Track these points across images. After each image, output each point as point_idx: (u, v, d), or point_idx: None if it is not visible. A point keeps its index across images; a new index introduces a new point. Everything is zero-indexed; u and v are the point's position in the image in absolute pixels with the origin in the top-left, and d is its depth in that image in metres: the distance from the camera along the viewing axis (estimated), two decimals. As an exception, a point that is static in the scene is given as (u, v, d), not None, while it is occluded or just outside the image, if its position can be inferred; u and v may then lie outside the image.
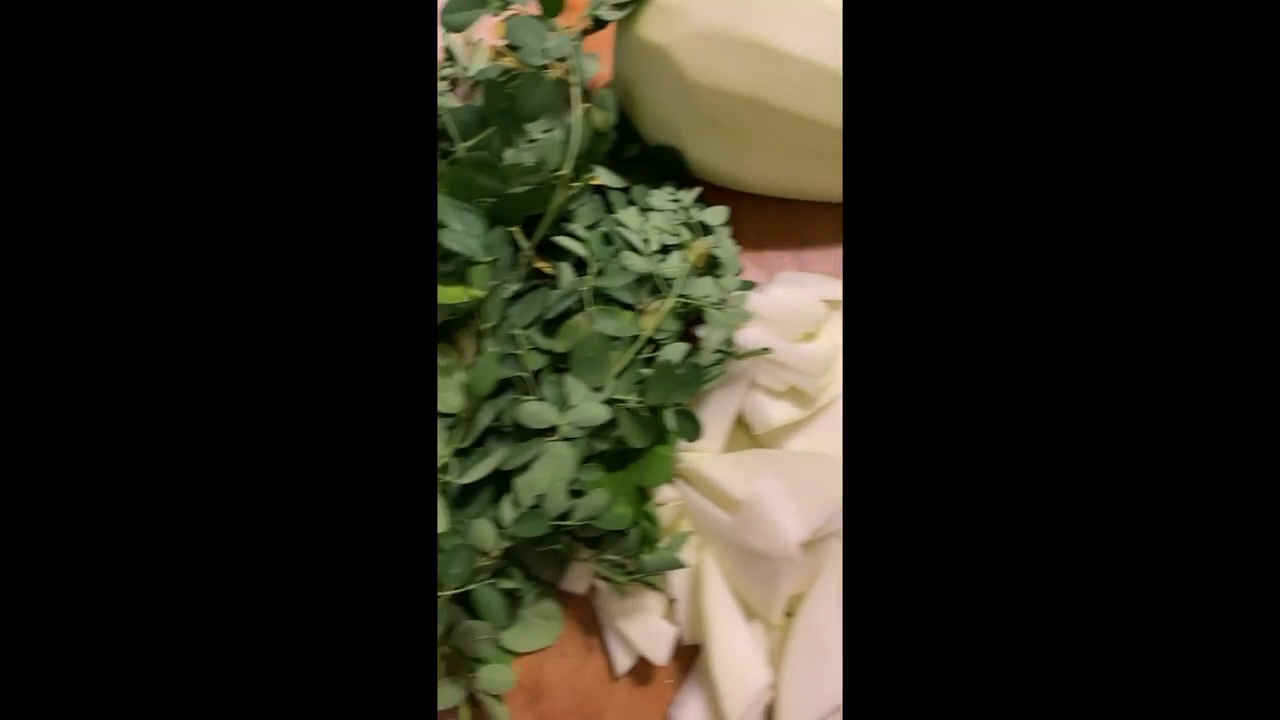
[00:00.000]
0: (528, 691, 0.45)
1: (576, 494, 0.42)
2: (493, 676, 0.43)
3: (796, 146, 0.49)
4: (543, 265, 0.47)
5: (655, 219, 0.49)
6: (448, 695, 0.43)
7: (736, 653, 0.42)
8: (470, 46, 0.60)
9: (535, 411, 0.42)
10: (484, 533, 0.41)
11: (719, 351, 0.46)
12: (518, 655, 0.46)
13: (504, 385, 0.44)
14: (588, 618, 0.47)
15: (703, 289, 0.47)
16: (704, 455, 0.46)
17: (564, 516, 0.41)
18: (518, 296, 0.47)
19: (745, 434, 0.47)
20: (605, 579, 0.44)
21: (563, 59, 0.46)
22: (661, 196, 0.50)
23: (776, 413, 0.46)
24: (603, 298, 0.46)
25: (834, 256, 0.54)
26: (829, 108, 0.47)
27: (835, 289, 0.49)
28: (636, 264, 0.47)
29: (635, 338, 0.45)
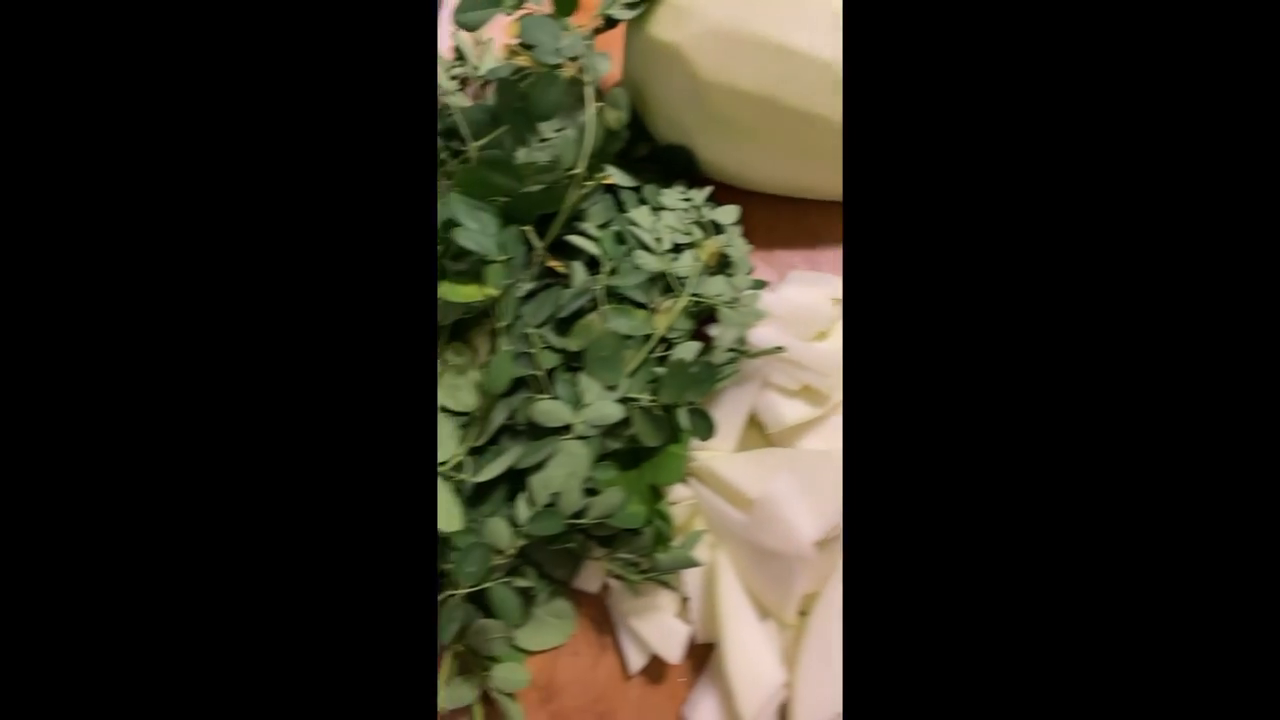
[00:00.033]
0: (540, 690, 0.45)
1: (591, 492, 0.42)
2: (507, 675, 0.43)
3: (808, 145, 0.49)
4: (555, 264, 0.47)
5: (667, 218, 0.49)
6: (462, 694, 0.43)
7: (750, 651, 0.42)
8: (480, 46, 0.60)
9: (550, 410, 0.42)
10: (499, 531, 0.41)
11: (732, 350, 0.46)
12: (530, 654, 0.46)
13: (517, 384, 0.44)
14: (600, 616, 0.47)
15: (715, 288, 0.47)
16: (717, 454, 0.46)
17: (579, 515, 0.41)
18: (530, 295, 0.47)
19: (758, 433, 0.47)
20: (619, 577, 0.44)
21: (576, 58, 0.46)
22: (673, 195, 0.51)
23: (790, 411, 0.46)
24: (616, 297, 0.46)
25: (845, 256, 0.54)
26: (840, 107, 0.47)
27: (847, 288, 0.49)
28: (649, 263, 0.47)
29: (648, 336, 0.45)
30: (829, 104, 0.47)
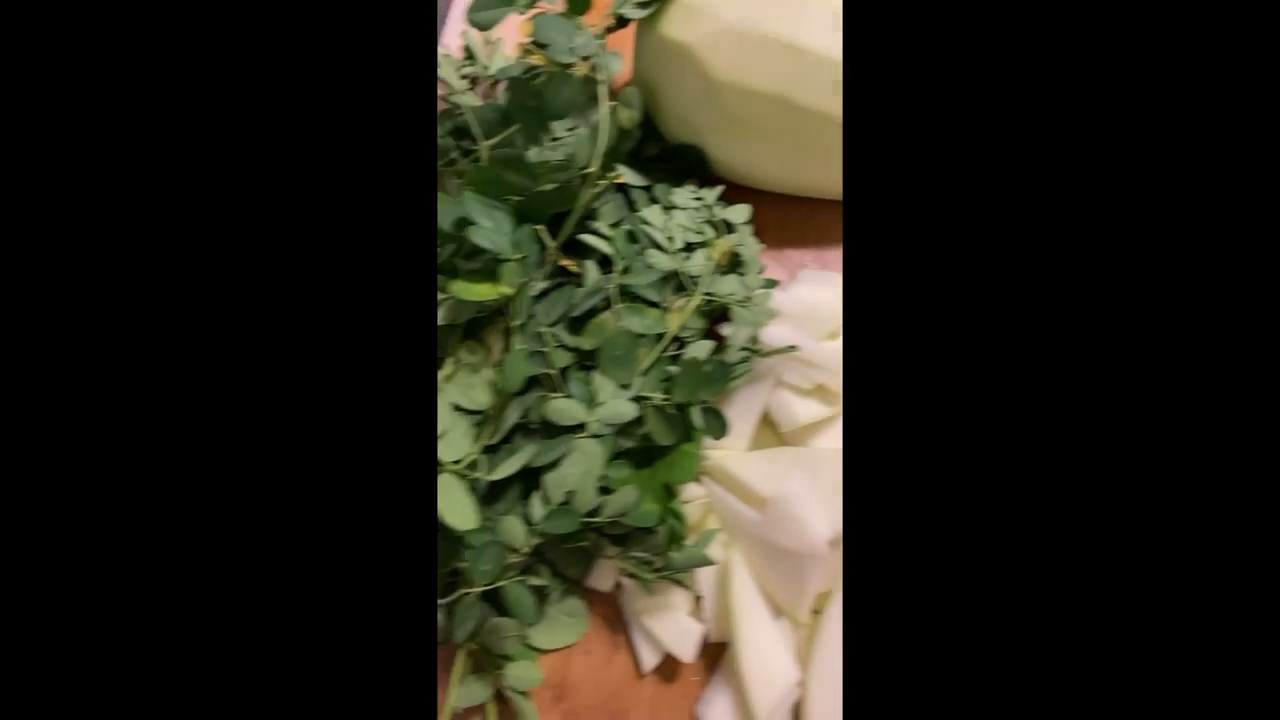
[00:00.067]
0: (553, 689, 0.45)
1: (605, 491, 0.42)
2: (521, 674, 0.43)
3: (819, 145, 0.50)
4: (567, 263, 0.48)
5: (679, 217, 0.49)
6: (475, 692, 0.43)
7: (764, 650, 0.42)
8: (490, 45, 0.60)
9: (564, 408, 0.42)
10: (514, 529, 0.41)
11: (745, 349, 0.46)
12: (543, 652, 0.46)
13: (531, 382, 0.44)
14: (613, 615, 0.47)
15: (728, 287, 0.47)
16: (730, 453, 0.46)
17: (593, 513, 0.41)
18: (543, 294, 0.47)
19: (771, 432, 0.47)
20: (632, 576, 0.44)
21: (588, 57, 0.46)
22: (684, 194, 0.51)
23: (803, 410, 0.46)
24: (628, 295, 0.46)
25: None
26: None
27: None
28: (662, 262, 0.47)
29: (661, 335, 0.45)
30: (840, 104, 0.47)
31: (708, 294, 0.46)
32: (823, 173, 0.51)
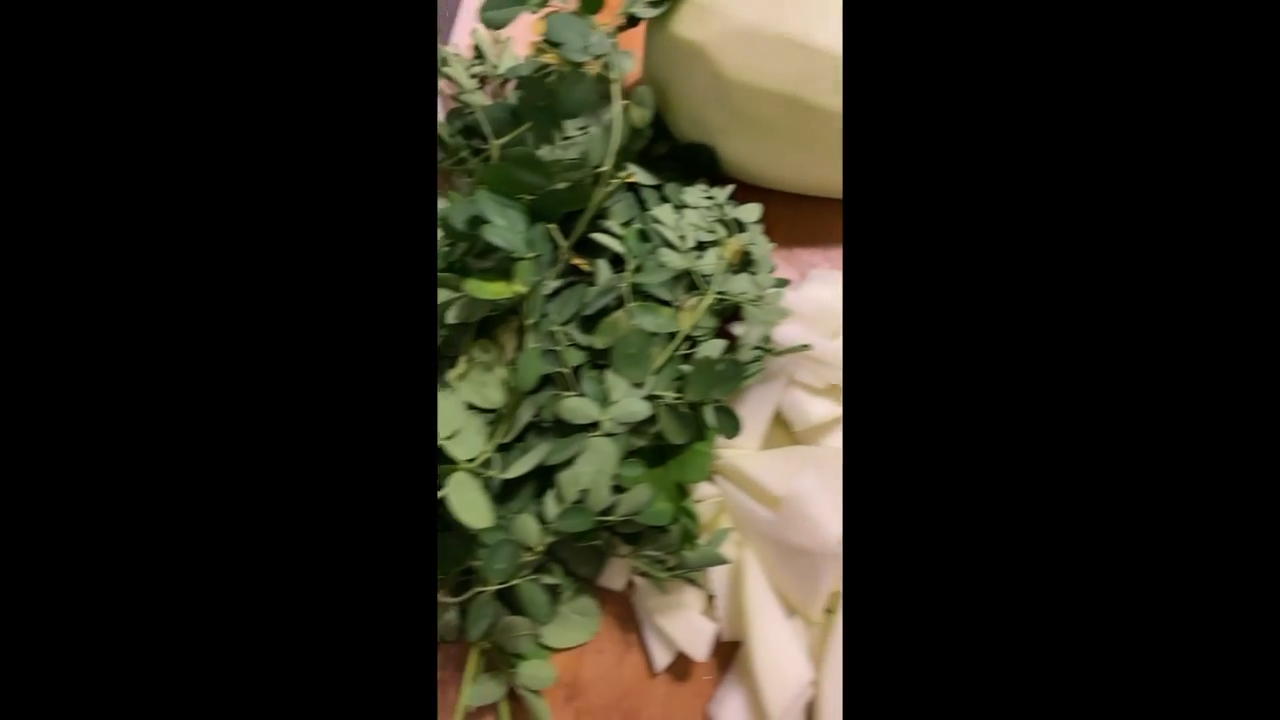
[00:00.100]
0: (565, 688, 0.45)
1: (618, 489, 0.42)
2: (534, 672, 0.43)
3: (831, 144, 0.50)
4: (579, 262, 0.48)
5: (690, 216, 0.49)
6: (489, 691, 0.43)
7: (778, 649, 0.42)
8: (499, 44, 0.60)
9: (577, 407, 0.42)
10: (528, 528, 0.41)
11: (758, 348, 0.46)
12: (555, 652, 0.46)
13: (544, 381, 0.44)
14: (624, 614, 0.47)
15: (740, 286, 0.47)
16: (743, 452, 0.46)
17: (606, 512, 0.41)
18: (554, 293, 0.47)
19: (784, 431, 0.47)
20: (645, 575, 0.44)
21: (601, 56, 0.46)
22: (695, 194, 0.51)
23: (816, 410, 0.46)
24: (640, 294, 0.46)
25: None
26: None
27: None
28: (674, 261, 0.47)
29: (674, 334, 0.45)
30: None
31: (720, 293, 0.46)
32: (833, 172, 0.51)
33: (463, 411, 0.43)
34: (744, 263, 0.50)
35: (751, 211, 0.51)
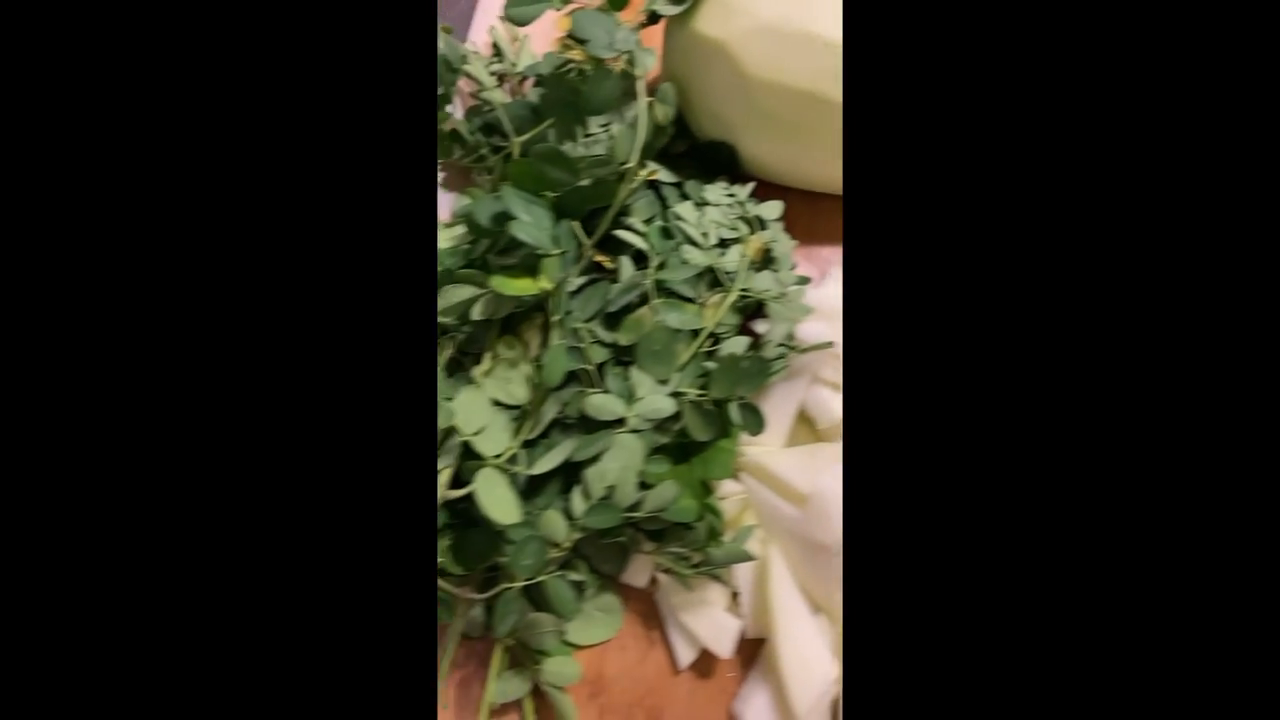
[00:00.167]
0: (589, 685, 0.45)
1: (644, 486, 0.42)
2: (559, 669, 0.43)
3: (852, 142, 0.50)
4: (602, 259, 0.47)
5: (712, 213, 0.49)
6: (513, 688, 0.43)
7: (803, 646, 0.42)
8: (517, 42, 0.60)
9: (603, 403, 0.42)
10: (555, 524, 0.41)
11: (782, 345, 0.46)
12: (578, 648, 0.45)
13: (569, 377, 0.44)
14: (647, 611, 0.46)
15: (763, 283, 0.47)
16: (767, 449, 0.46)
17: (633, 508, 0.41)
18: (578, 290, 0.47)
19: (808, 428, 0.47)
20: (669, 571, 0.44)
21: (626, 52, 0.46)
22: (717, 191, 0.51)
23: (840, 407, 0.46)
24: (664, 291, 0.46)
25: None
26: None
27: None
28: (697, 258, 0.47)
29: (698, 331, 0.45)
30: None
31: (744, 290, 0.46)
32: (855, 170, 0.51)
33: (488, 407, 0.43)
34: (766, 260, 0.50)
35: (773, 209, 0.51)
